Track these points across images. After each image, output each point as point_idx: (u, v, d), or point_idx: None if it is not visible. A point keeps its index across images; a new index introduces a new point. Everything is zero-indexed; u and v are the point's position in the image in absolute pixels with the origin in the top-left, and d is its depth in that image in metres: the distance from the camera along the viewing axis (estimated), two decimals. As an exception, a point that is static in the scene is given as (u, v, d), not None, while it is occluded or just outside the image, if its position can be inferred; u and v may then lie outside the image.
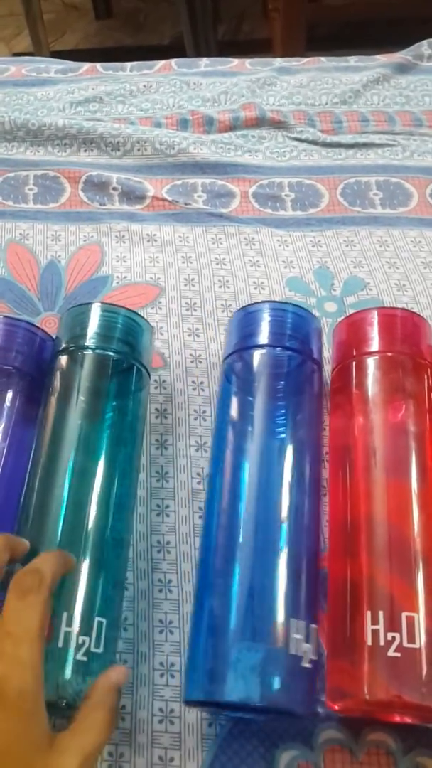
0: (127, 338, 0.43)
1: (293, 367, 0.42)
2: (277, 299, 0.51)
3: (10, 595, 0.29)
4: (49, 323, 0.51)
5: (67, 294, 0.52)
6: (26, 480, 0.39)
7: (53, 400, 0.41)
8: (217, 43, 1.65)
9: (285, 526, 0.36)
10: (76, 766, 0.27)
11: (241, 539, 0.35)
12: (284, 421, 0.40)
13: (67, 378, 0.41)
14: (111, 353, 0.42)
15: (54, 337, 0.45)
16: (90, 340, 0.42)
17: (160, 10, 1.98)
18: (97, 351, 0.42)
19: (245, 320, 0.44)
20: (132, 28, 1.97)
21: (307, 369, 0.42)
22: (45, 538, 0.35)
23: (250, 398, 0.40)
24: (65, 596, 0.33)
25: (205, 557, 0.37)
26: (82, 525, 0.36)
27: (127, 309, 0.44)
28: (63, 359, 0.42)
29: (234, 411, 0.41)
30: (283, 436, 0.39)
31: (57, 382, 0.41)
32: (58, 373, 0.42)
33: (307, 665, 0.32)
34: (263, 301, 0.45)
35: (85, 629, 0.33)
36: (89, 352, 0.42)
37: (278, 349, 0.42)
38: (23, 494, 0.38)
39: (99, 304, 0.44)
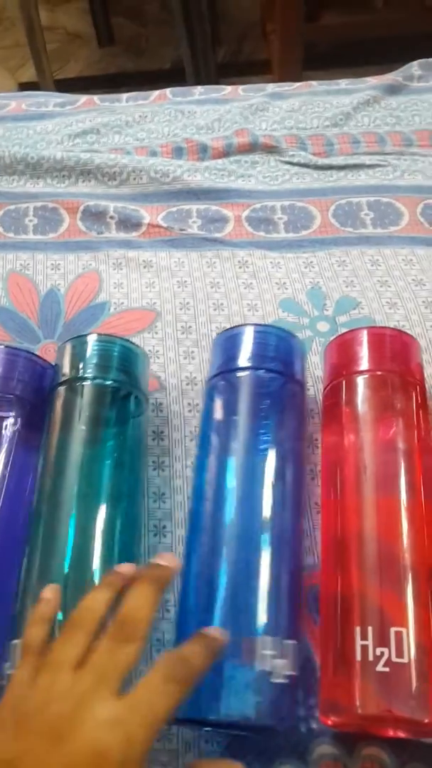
0: (123, 367, 0.44)
1: (276, 388, 0.43)
2: (261, 322, 0.52)
3: (116, 646, 0.30)
4: (49, 350, 0.52)
5: (66, 321, 0.54)
6: (32, 508, 0.40)
7: (55, 429, 0.42)
8: (216, 66, 1.68)
9: (266, 542, 0.37)
10: None
11: (223, 555, 0.36)
12: (268, 441, 0.41)
13: (67, 408, 0.43)
14: (109, 382, 0.43)
15: (53, 364, 0.46)
16: (88, 370, 0.43)
17: (161, 34, 2.02)
18: (96, 381, 0.43)
19: (228, 342, 0.45)
20: (134, 53, 2.01)
21: (289, 390, 0.44)
22: (53, 565, 0.36)
23: (234, 417, 0.41)
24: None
25: (187, 572, 0.38)
26: (90, 550, 0.37)
27: (123, 338, 0.45)
28: (62, 390, 0.43)
29: (217, 430, 0.42)
30: (266, 455, 0.40)
31: (58, 413, 0.43)
32: (58, 404, 0.43)
33: (280, 680, 0.33)
34: (245, 324, 0.47)
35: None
36: (88, 382, 0.43)
37: (261, 370, 0.43)
38: (30, 522, 0.40)
39: (95, 334, 0.45)
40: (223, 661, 0.32)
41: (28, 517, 0.43)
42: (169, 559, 0.34)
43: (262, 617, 0.34)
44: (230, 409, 0.42)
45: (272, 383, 0.43)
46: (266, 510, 0.38)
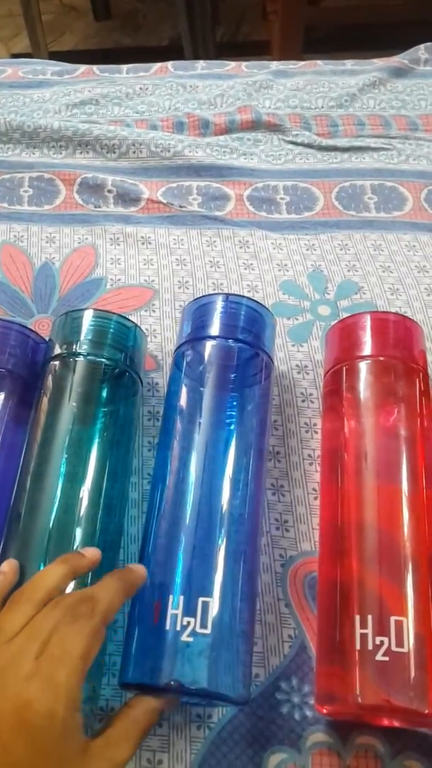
0: (119, 344, 0.43)
1: (243, 360, 0.42)
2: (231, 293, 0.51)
3: (62, 617, 0.29)
4: (43, 325, 0.51)
5: (61, 296, 0.52)
6: (17, 482, 0.39)
7: (45, 404, 0.41)
8: (215, 45, 1.65)
9: (224, 521, 0.36)
10: None
11: (182, 534, 0.36)
12: (233, 413, 0.40)
13: (59, 384, 0.41)
14: (102, 360, 0.42)
15: (47, 339, 0.45)
16: (82, 346, 0.42)
17: (159, 10, 1.98)
18: (89, 358, 0.42)
19: (199, 311, 0.44)
20: (131, 28, 1.97)
21: (258, 362, 0.42)
22: (35, 541, 0.35)
23: (201, 388, 0.40)
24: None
25: (146, 541, 0.37)
26: (72, 528, 0.36)
27: (119, 315, 0.44)
28: (55, 365, 0.42)
29: (183, 401, 0.41)
30: (231, 427, 0.39)
31: (49, 388, 0.41)
32: (50, 379, 0.42)
33: (188, 639, 0.32)
34: (217, 293, 0.46)
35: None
36: (81, 359, 0.42)
37: (230, 340, 0.42)
38: (13, 496, 0.38)
39: (91, 310, 0.44)
40: (137, 625, 0.33)
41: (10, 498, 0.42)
42: (139, 569, 0.34)
43: (183, 578, 0.34)
44: (197, 380, 0.41)
45: (241, 354, 0.42)
46: (226, 489, 0.37)
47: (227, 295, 0.45)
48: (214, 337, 0.42)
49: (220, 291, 0.52)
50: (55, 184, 0.60)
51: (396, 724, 0.34)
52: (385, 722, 0.34)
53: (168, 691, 0.32)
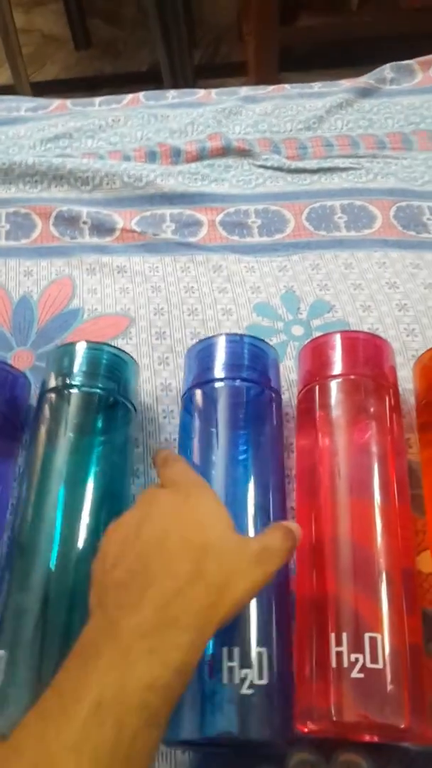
0: (112, 374, 0.44)
1: (252, 397, 0.43)
2: (235, 326, 0.52)
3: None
4: (22, 358, 0.52)
5: (39, 328, 0.53)
6: (15, 515, 0.40)
7: (42, 436, 0.42)
8: (193, 68, 1.68)
9: None
10: (257, 549, 0.31)
11: None
12: (246, 450, 0.40)
13: (55, 415, 0.42)
14: (97, 390, 0.43)
15: (24, 373, 0.46)
16: (76, 378, 0.43)
17: (138, 37, 2.01)
18: (83, 389, 0.43)
19: (203, 353, 0.45)
20: (111, 56, 2.01)
21: (265, 398, 0.43)
22: (37, 572, 0.36)
23: (213, 429, 0.41)
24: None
25: None
26: (73, 557, 0.37)
27: (112, 346, 0.45)
28: (51, 397, 0.43)
29: (197, 441, 0.42)
30: (246, 464, 0.40)
31: (45, 419, 0.42)
32: (46, 410, 0.43)
33: (248, 691, 0.32)
34: (219, 334, 0.46)
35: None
36: (75, 390, 0.43)
37: (237, 381, 0.43)
38: (12, 529, 0.39)
39: (85, 342, 0.45)
40: (194, 681, 0.32)
41: (2, 528, 0.42)
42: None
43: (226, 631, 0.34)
44: (208, 421, 0.42)
45: (249, 393, 0.43)
46: (250, 520, 0.38)
47: (228, 335, 0.46)
48: (221, 379, 0.43)
49: (215, 329, 0.53)
50: (32, 218, 0.61)
51: (377, 739, 0.35)
52: (367, 738, 0.35)
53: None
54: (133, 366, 0.46)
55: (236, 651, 0.33)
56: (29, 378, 0.49)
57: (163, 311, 0.54)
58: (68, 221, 0.61)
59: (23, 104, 0.74)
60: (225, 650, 0.33)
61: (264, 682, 0.33)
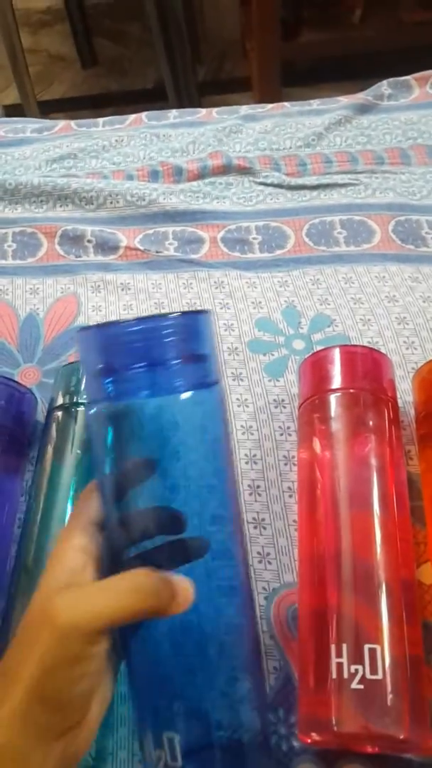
0: None
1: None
2: (237, 342, 0.53)
3: None
4: (29, 374, 0.53)
5: (45, 345, 0.55)
6: (22, 531, 0.41)
7: (50, 453, 0.43)
8: (197, 84, 1.70)
9: None
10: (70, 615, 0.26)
11: None
12: None
13: (62, 433, 0.43)
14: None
15: (30, 389, 0.47)
16: (83, 395, 0.44)
17: (143, 54, 2.05)
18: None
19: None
20: (117, 74, 2.04)
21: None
22: None
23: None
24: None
25: None
26: None
27: None
28: (58, 415, 0.44)
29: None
30: None
31: (53, 437, 0.43)
32: (53, 428, 0.44)
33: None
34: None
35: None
36: (82, 408, 0.44)
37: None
38: (19, 545, 0.40)
39: None
40: None
41: (10, 543, 0.43)
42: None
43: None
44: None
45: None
46: None
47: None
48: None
49: (218, 345, 0.52)
50: (37, 237, 0.63)
51: (378, 750, 0.35)
52: (369, 749, 0.35)
53: None
54: None
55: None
56: (36, 394, 0.50)
57: (166, 327, 0.55)
58: (73, 240, 0.62)
59: (29, 125, 0.76)
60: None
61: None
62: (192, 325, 0.34)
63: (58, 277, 0.60)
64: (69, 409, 0.44)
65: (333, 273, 0.58)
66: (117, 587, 0.28)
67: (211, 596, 0.32)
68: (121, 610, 0.27)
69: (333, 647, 0.34)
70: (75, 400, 0.44)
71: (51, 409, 0.45)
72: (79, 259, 0.61)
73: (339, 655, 0.34)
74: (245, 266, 0.59)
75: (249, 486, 0.45)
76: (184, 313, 0.37)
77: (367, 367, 0.46)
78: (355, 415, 0.43)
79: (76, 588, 0.28)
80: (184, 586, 0.29)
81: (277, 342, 0.53)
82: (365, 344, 0.52)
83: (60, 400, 0.44)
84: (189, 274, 0.59)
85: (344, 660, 0.34)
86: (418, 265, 0.57)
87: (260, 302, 0.56)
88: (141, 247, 0.61)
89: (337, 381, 0.45)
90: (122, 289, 0.58)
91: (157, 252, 0.60)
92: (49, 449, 0.43)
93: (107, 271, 0.60)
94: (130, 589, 0.28)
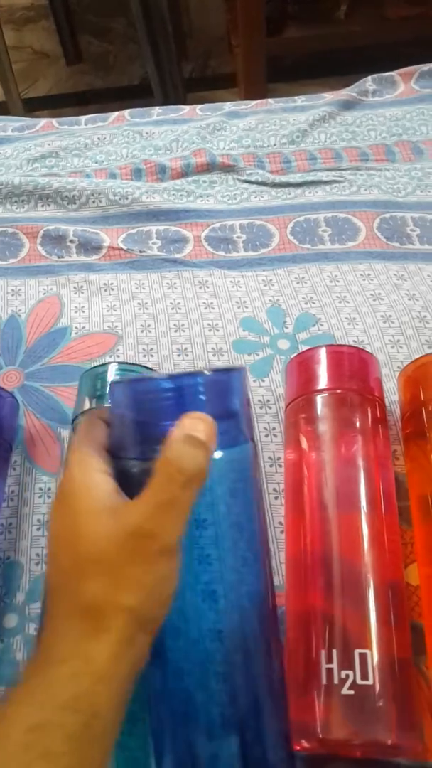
0: None
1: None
2: (222, 341, 0.53)
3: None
4: (10, 377, 0.52)
5: (28, 347, 0.54)
6: None
7: None
8: (183, 81, 1.69)
9: None
10: (140, 519, 0.27)
11: None
12: None
13: None
14: None
15: (11, 393, 0.46)
16: (106, 400, 0.43)
17: (128, 51, 2.03)
18: None
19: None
20: (102, 70, 2.02)
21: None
22: None
23: None
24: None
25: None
26: None
27: (142, 366, 0.46)
28: (82, 419, 0.43)
29: None
30: None
31: None
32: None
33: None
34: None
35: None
36: None
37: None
38: None
39: (116, 363, 0.45)
40: None
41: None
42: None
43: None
44: None
45: None
46: None
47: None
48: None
49: (202, 345, 0.53)
50: (19, 237, 0.62)
51: (368, 755, 0.35)
52: (358, 754, 0.35)
53: None
54: None
55: None
56: (18, 398, 0.49)
57: (150, 328, 0.54)
58: (55, 240, 0.61)
59: (10, 124, 0.75)
60: None
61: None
62: (226, 382, 0.34)
63: (41, 278, 0.59)
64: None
65: (318, 271, 0.57)
66: (163, 491, 0.27)
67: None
68: (186, 504, 0.27)
69: (323, 653, 0.34)
70: (102, 404, 0.43)
71: (77, 415, 0.44)
72: (61, 259, 0.60)
73: (329, 660, 0.34)
74: (229, 265, 0.59)
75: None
76: (217, 370, 0.37)
77: (354, 367, 0.46)
78: (342, 416, 0.43)
79: (140, 510, 0.27)
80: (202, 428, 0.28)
81: (262, 342, 0.53)
82: (351, 343, 0.52)
83: (86, 405, 0.44)
84: (173, 273, 0.58)
85: (334, 666, 0.33)
86: (404, 262, 0.57)
87: (245, 302, 0.56)
88: (124, 247, 0.60)
89: (323, 381, 0.45)
90: (105, 290, 0.57)
91: (140, 252, 0.60)
92: None
93: (90, 272, 0.59)
94: (174, 484, 0.27)
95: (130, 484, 0.30)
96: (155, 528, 0.26)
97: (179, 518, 0.27)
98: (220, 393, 0.33)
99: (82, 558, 0.27)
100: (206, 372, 0.34)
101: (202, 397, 0.32)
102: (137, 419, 0.32)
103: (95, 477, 0.29)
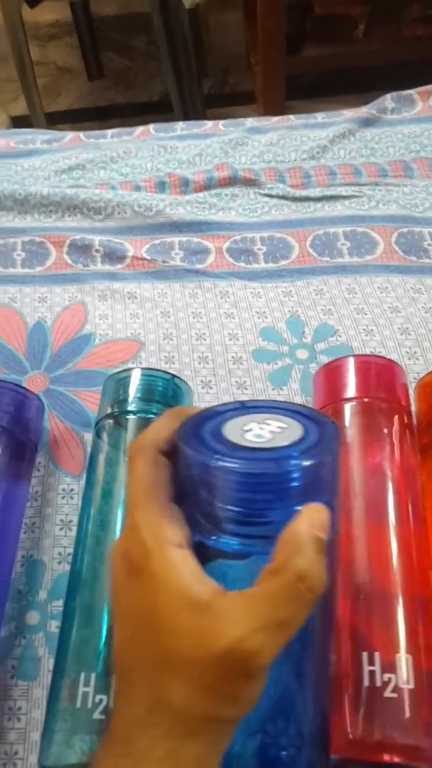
0: (167, 400, 0.45)
1: None
2: (241, 351, 0.54)
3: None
4: (36, 381, 0.53)
5: (53, 353, 0.55)
6: (76, 541, 0.41)
7: (101, 462, 0.43)
8: (203, 98, 1.72)
9: None
10: (242, 634, 0.22)
11: None
12: None
13: (113, 441, 0.44)
14: (151, 416, 0.44)
15: (37, 395, 0.48)
16: (132, 404, 0.44)
17: (149, 67, 2.07)
18: (139, 414, 0.44)
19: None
20: (123, 86, 2.06)
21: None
22: (102, 605, 0.37)
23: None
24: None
25: None
26: None
27: (166, 372, 0.47)
28: (108, 423, 0.45)
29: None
30: None
31: (104, 446, 0.44)
32: (104, 437, 0.44)
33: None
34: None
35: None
36: (131, 416, 0.44)
37: None
38: (74, 554, 0.41)
39: (140, 369, 0.47)
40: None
41: (16, 547, 0.44)
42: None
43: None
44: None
45: None
46: None
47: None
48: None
49: (222, 353, 0.54)
50: (46, 246, 0.64)
51: (396, 760, 0.35)
52: (386, 758, 0.35)
53: None
54: (188, 393, 0.47)
55: None
56: (43, 400, 0.51)
57: (171, 336, 0.56)
58: (81, 249, 0.63)
59: (38, 137, 0.77)
60: None
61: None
62: (331, 462, 0.29)
63: (66, 286, 0.61)
64: (118, 418, 0.44)
65: (336, 283, 0.59)
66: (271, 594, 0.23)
67: None
68: (301, 623, 0.23)
69: (352, 658, 0.34)
70: (124, 408, 0.44)
71: (100, 419, 0.45)
72: (86, 268, 0.62)
73: (358, 665, 0.34)
74: (250, 276, 0.60)
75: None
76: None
77: (381, 376, 0.46)
78: (370, 424, 0.44)
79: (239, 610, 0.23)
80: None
81: (281, 351, 0.54)
82: (368, 353, 0.53)
83: (109, 410, 0.45)
84: (194, 283, 0.60)
85: (365, 670, 0.34)
86: (421, 276, 0.58)
87: (264, 312, 0.57)
88: (148, 257, 0.62)
89: (351, 390, 0.45)
90: (129, 298, 0.59)
91: (163, 262, 0.61)
92: (101, 459, 0.43)
93: (114, 280, 0.61)
94: (300, 603, 0.23)
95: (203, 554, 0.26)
96: (262, 648, 0.23)
97: (290, 636, 0.23)
98: (327, 472, 0.28)
99: (165, 651, 0.24)
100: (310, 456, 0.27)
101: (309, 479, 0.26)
102: (233, 496, 0.26)
103: (173, 556, 0.25)
